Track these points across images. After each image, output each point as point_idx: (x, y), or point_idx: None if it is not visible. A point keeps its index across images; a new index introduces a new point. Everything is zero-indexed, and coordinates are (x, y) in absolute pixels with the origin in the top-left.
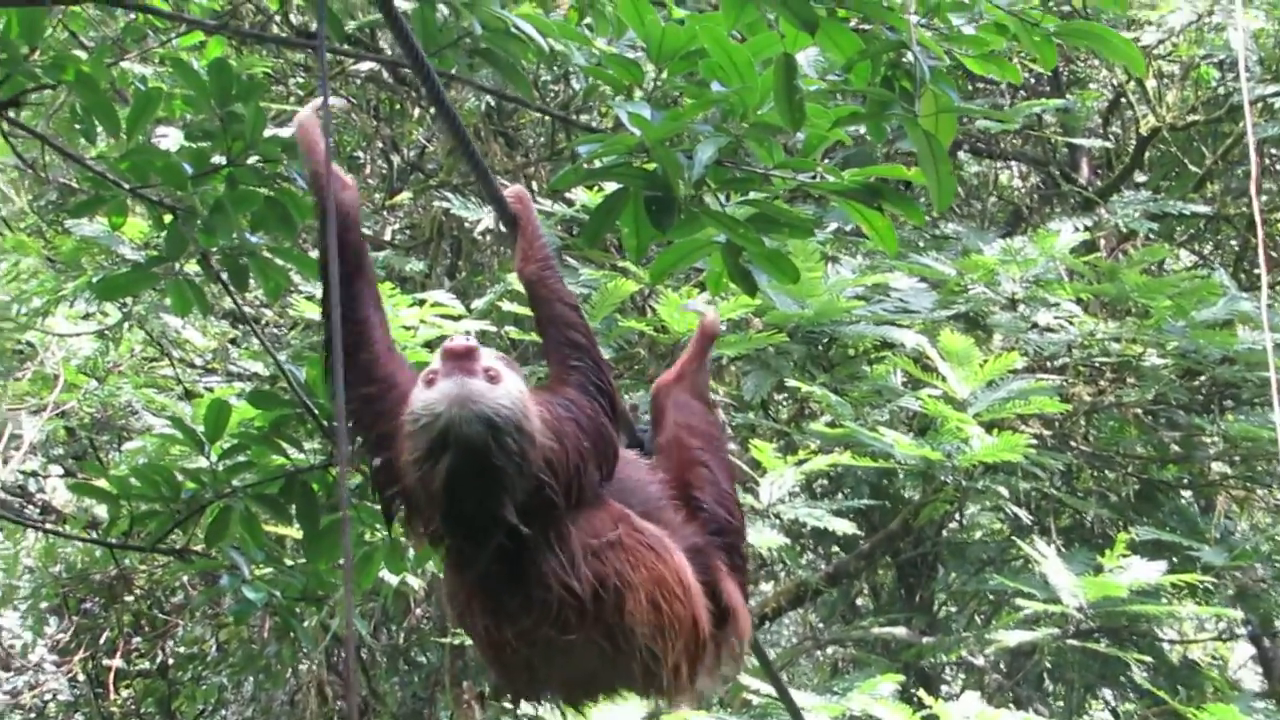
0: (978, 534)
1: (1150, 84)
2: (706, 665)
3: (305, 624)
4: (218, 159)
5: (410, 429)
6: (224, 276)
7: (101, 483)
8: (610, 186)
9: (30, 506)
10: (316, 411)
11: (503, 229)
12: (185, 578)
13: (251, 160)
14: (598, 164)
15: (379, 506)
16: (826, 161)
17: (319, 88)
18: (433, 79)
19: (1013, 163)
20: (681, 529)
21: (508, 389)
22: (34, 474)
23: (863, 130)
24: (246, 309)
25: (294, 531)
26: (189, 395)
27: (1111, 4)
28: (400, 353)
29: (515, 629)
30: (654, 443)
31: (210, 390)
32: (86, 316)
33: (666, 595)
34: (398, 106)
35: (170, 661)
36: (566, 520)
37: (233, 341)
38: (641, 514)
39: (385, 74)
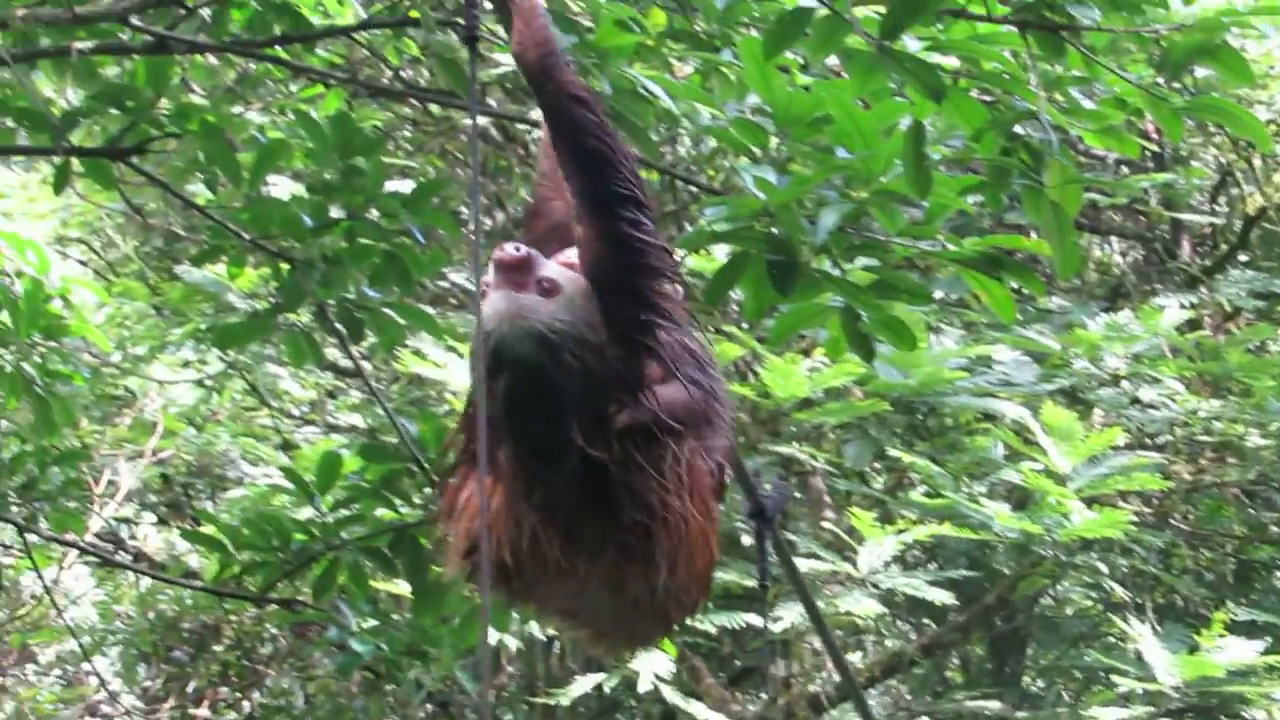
0: (1070, 610)
1: (1258, 163)
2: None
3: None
4: (337, 212)
5: (475, 347)
6: (339, 329)
7: (208, 529)
8: (723, 251)
9: (122, 553)
10: (427, 466)
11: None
12: (275, 629)
13: (371, 214)
14: (721, 226)
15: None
16: (948, 229)
17: (470, 146)
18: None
19: (1113, 238)
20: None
21: (568, 299)
22: (127, 521)
23: (980, 201)
24: (347, 362)
25: (394, 587)
26: (287, 446)
27: (1236, 78)
28: None
29: (592, 559)
30: (777, 505)
31: (308, 441)
32: (186, 364)
33: (707, 551)
34: (504, 163)
35: (257, 713)
36: (654, 430)
37: (330, 394)
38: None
39: (493, 130)
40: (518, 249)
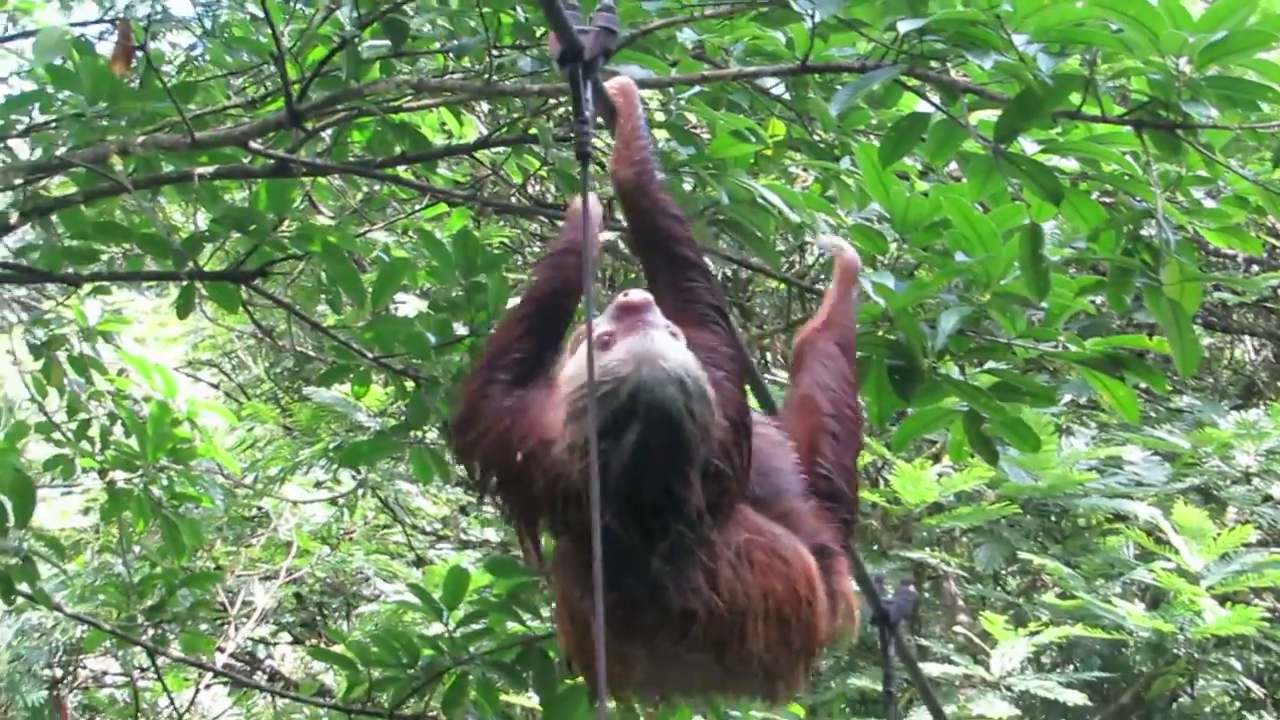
0: (1207, 708)
1: None
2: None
3: None
4: (460, 329)
5: (576, 403)
6: None
7: (338, 648)
8: None
9: (259, 673)
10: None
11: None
12: None
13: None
14: None
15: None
16: (1066, 332)
17: (584, 261)
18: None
19: (1245, 336)
20: (807, 517)
21: (686, 349)
22: (263, 641)
23: (1100, 300)
24: None
25: (526, 700)
26: (420, 562)
27: None
28: None
29: (647, 646)
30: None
31: (442, 558)
32: (319, 484)
33: (791, 612)
34: (632, 275)
35: None
36: (718, 521)
37: (463, 509)
38: (771, 495)
39: (620, 243)
40: (642, 293)
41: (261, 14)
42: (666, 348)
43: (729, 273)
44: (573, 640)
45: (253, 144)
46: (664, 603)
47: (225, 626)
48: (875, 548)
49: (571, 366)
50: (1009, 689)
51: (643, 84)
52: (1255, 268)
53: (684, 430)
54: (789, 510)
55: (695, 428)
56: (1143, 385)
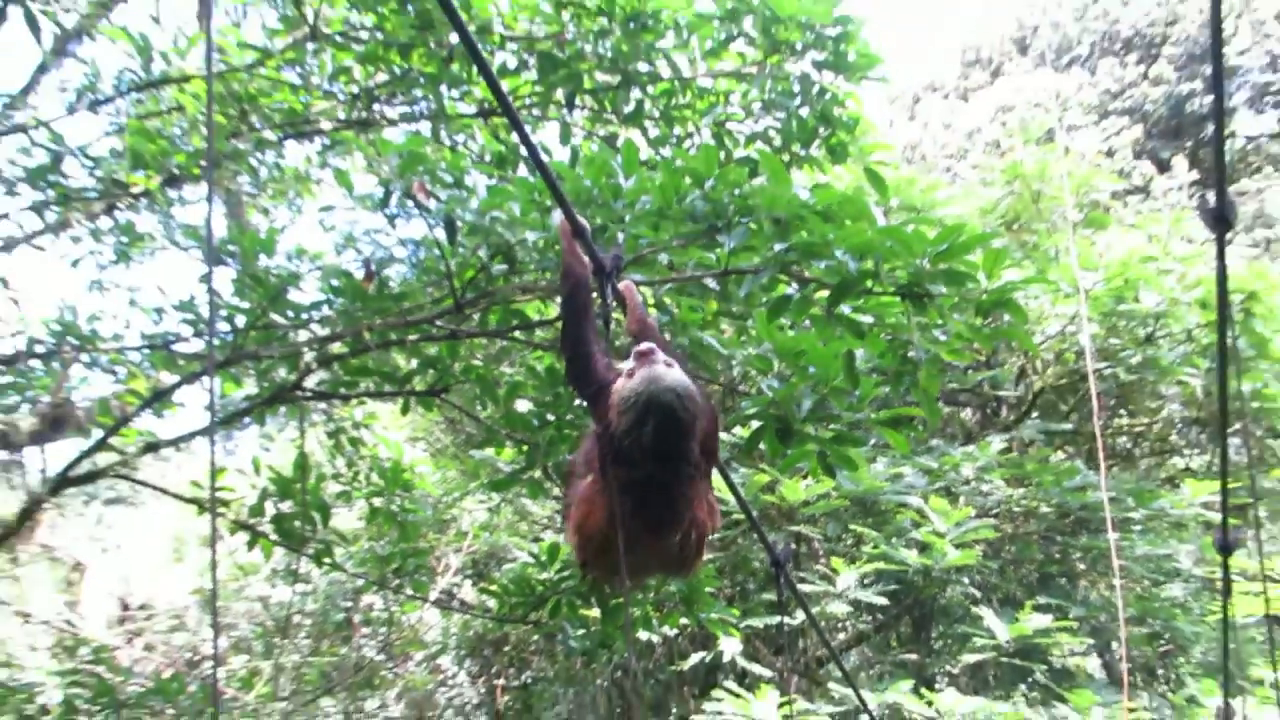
0: (954, 604)
1: (1038, 363)
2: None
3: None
4: (550, 418)
5: (622, 410)
6: (556, 479)
7: (494, 587)
8: (754, 424)
9: (455, 600)
10: None
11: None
12: (535, 639)
13: (569, 417)
14: (750, 411)
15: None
16: (870, 407)
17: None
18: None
19: (966, 408)
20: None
21: (681, 373)
22: (455, 585)
23: (887, 390)
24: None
25: (593, 611)
26: (536, 540)
27: (1019, 318)
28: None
29: (658, 537)
30: (784, 554)
31: (549, 539)
32: (481, 502)
33: (703, 526)
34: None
35: (529, 680)
36: (703, 473)
37: (558, 513)
38: None
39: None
40: (650, 344)
41: (439, 253)
42: (665, 372)
43: None
44: (595, 534)
45: (438, 322)
46: (672, 519)
47: (436, 577)
48: (773, 525)
49: (620, 389)
50: (847, 597)
51: (640, 284)
52: (970, 371)
53: (680, 418)
54: None
55: (687, 415)
56: (911, 435)
